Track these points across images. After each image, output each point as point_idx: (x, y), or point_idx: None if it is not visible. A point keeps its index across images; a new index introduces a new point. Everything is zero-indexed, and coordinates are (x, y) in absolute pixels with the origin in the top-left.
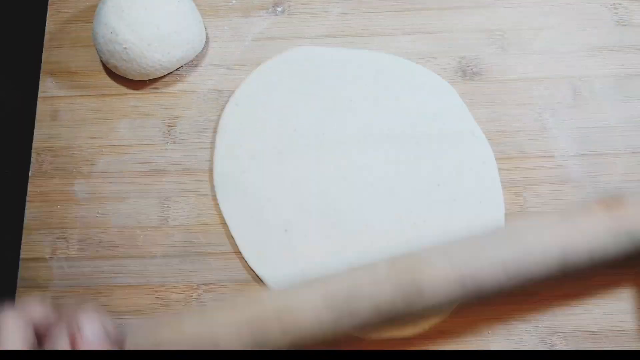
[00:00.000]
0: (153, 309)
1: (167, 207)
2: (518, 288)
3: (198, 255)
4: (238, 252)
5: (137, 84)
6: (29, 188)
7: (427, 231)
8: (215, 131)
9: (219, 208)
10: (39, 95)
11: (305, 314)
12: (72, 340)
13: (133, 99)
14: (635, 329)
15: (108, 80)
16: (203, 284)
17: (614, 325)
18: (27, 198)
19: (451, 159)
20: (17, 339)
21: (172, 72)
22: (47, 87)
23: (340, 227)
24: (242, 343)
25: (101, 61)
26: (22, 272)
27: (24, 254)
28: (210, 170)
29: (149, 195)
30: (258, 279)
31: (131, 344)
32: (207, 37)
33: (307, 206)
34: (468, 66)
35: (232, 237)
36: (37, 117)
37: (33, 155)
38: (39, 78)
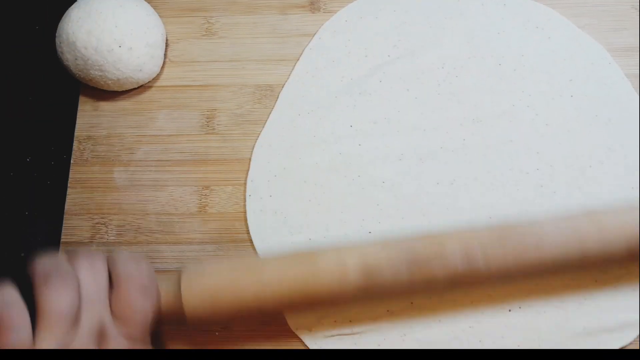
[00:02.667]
0: None
1: (205, 195)
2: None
3: (233, 242)
4: None
5: None
6: (70, 175)
7: None
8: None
9: None
10: (81, 87)
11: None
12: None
13: (172, 90)
14: None
15: None
16: None
17: None
18: (68, 184)
19: None
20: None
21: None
22: None
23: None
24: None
25: None
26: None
27: (64, 237)
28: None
29: (186, 184)
30: None
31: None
32: None
33: None
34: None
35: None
36: (80, 107)
37: (75, 143)
38: None
